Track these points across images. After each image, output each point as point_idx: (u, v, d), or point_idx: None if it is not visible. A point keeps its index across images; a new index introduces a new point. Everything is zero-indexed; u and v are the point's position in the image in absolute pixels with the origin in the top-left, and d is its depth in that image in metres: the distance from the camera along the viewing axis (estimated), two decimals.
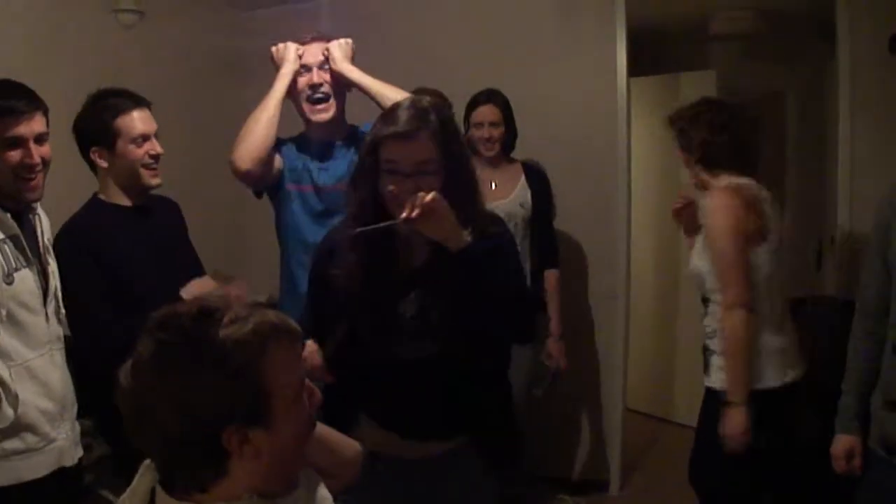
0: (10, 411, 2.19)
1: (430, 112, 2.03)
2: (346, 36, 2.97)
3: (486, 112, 3.85)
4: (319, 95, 2.90)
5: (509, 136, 3.92)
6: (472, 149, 3.90)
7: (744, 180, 2.97)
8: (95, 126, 2.64)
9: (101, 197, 2.72)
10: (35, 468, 2.28)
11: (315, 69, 2.89)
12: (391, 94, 2.75)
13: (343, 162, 2.91)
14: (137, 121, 2.64)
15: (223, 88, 4.93)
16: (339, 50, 2.92)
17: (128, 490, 1.38)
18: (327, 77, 2.89)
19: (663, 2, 4.95)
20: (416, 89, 3.73)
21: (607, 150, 4.38)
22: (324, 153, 2.97)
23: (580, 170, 4.41)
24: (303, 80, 2.91)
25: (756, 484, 3.00)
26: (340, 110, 2.97)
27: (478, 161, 3.88)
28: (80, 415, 2.71)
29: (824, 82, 5.18)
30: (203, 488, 1.28)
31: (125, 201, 2.70)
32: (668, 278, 5.55)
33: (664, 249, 5.59)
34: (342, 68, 2.90)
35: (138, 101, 2.68)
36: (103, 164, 2.66)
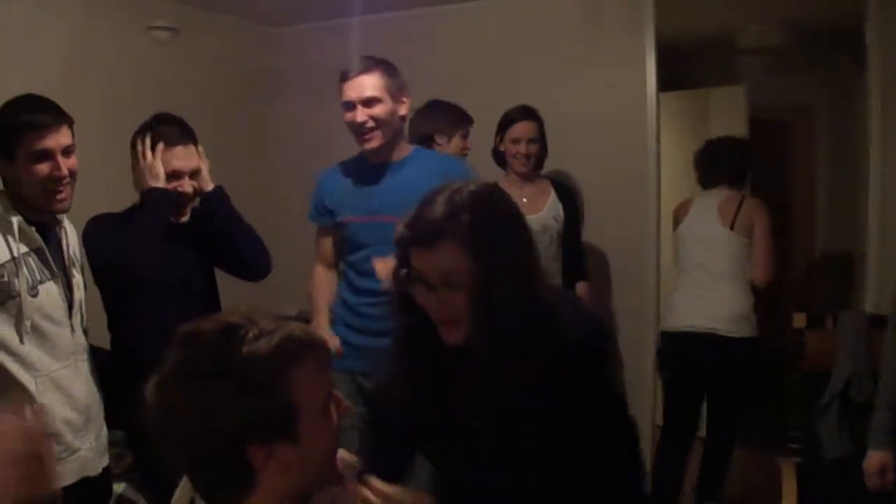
0: None
1: (464, 211, 1.62)
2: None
3: (525, 128, 3.84)
4: (364, 130, 2.89)
5: (542, 153, 3.92)
6: (503, 163, 3.94)
7: (706, 191, 4.04)
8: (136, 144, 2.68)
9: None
10: (58, 478, 2.26)
11: (359, 107, 2.85)
12: None
13: (392, 185, 2.93)
14: (174, 157, 2.66)
15: (255, 104, 4.99)
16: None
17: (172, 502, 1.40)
18: (371, 111, 2.85)
19: (692, 17, 4.95)
20: (431, 101, 3.76)
21: (636, 165, 4.37)
22: (376, 175, 2.98)
23: (609, 185, 4.41)
24: (348, 116, 2.90)
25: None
26: (393, 134, 2.94)
27: (508, 176, 3.91)
28: (114, 425, 2.74)
29: (854, 96, 5.16)
30: (235, 500, 1.28)
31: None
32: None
33: None
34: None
35: (186, 137, 2.70)
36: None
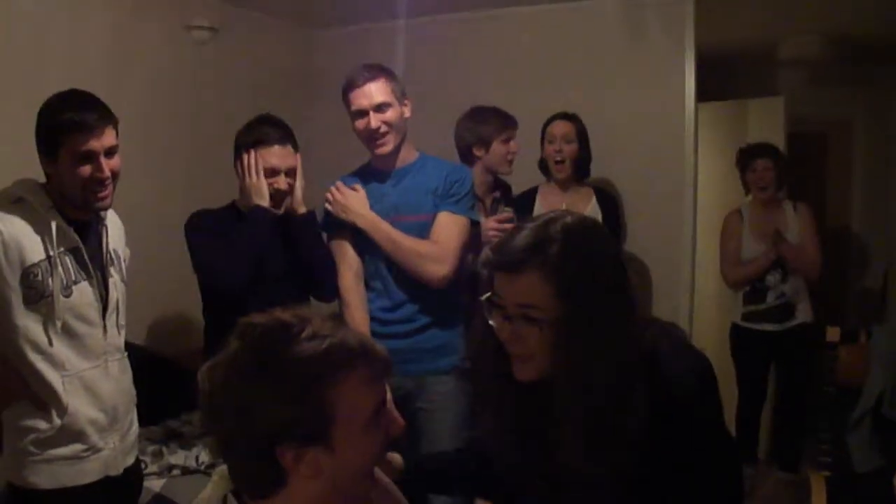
0: (57, 421, 2.24)
1: (554, 243, 1.52)
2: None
3: (560, 127, 3.83)
4: (378, 136, 2.95)
5: (583, 158, 3.88)
6: (547, 172, 3.94)
7: None
8: (240, 144, 2.89)
9: (237, 201, 2.96)
10: (77, 476, 2.30)
11: (371, 113, 2.91)
12: (404, 244, 2.90)
13: (403, 187, 3.02)
14: (272, 155, 2.86)
15: (294, 106, 4.99)
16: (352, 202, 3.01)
17: (198, 497, 1.41)
18: (383, 117, 2.92)
19: (732, 28, 4.93)
20: (472, 109, 3.74)
21: (675, 175, 4.36)
22: (387, 179, 3.05)
23: (647, 194, 4.40)
24: (361, 124, 2.95)
25: None
26: (401, 140, 3.01)
27: (549, 184, 3.90)
28: (153, 422, 2.76)
29: (893, 109, 5.13)
30: (263, 496, 1.28)
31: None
32: (730, 302, 5.50)
33: None
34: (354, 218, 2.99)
35: (283, 137, 2.89)
36: (237, 174, 2.91)
